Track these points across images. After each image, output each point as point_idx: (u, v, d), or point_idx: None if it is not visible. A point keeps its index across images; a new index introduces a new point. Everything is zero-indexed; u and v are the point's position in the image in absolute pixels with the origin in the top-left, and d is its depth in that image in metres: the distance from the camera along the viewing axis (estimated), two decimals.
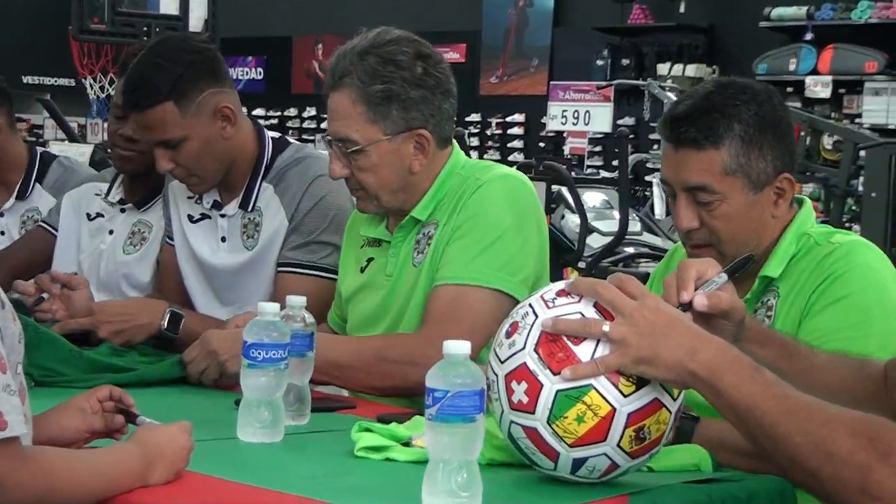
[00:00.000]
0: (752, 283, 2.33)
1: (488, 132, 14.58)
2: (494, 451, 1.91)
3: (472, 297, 2.48)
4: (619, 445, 1.76)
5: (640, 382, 1.75)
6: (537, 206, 2.66)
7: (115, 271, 3.31)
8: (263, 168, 3.00)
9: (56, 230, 3.47)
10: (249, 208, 3.00)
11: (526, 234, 2.58)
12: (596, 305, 1.78)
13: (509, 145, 14.42)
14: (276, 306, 2.10)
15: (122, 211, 3.38)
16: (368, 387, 2.49)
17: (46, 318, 2.81)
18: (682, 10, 13.04)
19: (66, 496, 1.64)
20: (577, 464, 1.78)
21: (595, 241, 7.08)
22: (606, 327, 1.74)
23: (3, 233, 3.77)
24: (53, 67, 12.87)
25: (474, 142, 14.53)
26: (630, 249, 7.20)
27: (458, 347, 1.70)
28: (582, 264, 6.35)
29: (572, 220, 6.48)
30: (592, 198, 8.14)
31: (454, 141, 2.69)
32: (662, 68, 13.07)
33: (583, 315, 1.77)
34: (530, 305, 1.82)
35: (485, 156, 14.44)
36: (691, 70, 12.96)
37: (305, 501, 1.72)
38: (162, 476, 1.76)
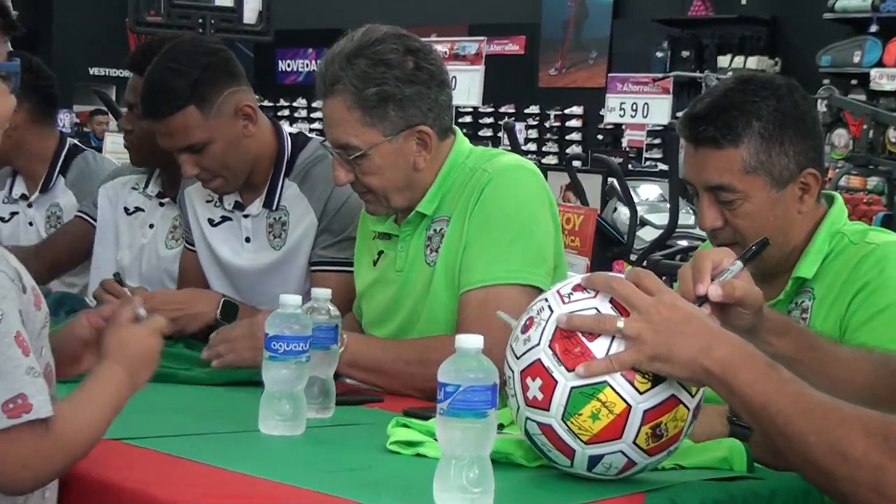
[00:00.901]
0: (784, 284, 2.29)
1: (547, 124, 14.54)
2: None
3: (504, 295, 2.44)
4: (635, 443, 1.74)
5: (657, 379, 1.73)
6: (547, 192, 2.62)
7: (158, 266, 3.31)
8: (285, 165, 2.98)
9: (95, 220, 3.48)
10: (274, 207, 2.98)
11: (542, 223, 2.56)
12: (612, 301, 1.76)
13: (567, 138, 14.37)
14: (297, 298, 2.10)
15: (162, 205, 3.38)
16: (412, 388, 2.46)
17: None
18: (743, 1, 12.92)
19: (88, 445, 1.69)
20: (594, 461, 1.76)
21: (648, 235, 7.02)
22: (621, 323, 1.72)
23: (31, 223, 3.79)
24: (118, 59, 13.03)
25: (533, 134, 14.48)
26: (683, 242, 7.14)
27: (471, 342, 1.68)
28: (633, 257, 6.31)
29: (624, 213, 6.44)
30: (648, 191, 8.08)
31: (456, 129, 2.66)
32: (723, 60, 12.96)
33: (598, 311, 1.75)
34: (546, 300, 1.80)
35: (543, 148, 14.39)
36: (752, 62, 12.84)
37: (320, 496, 1.71)
38: (145, 378, 1.82)
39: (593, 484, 1.79)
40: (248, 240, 3.02)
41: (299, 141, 3.03)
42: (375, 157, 2.51)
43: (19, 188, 3.83)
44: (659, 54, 13.44)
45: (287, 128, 3.10)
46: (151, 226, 3.38)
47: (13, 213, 3.83)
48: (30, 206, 3.82)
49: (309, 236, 2.95)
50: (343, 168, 2.54)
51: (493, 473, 1.67)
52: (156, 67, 2.87)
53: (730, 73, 11.82)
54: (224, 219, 3.05)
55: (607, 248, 5.96)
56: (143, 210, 3.41)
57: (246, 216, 3.01)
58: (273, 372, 2.07)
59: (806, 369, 1.86)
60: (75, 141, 3.98)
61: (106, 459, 1.85)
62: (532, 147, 14.35)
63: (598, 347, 1.73)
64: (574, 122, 14.37)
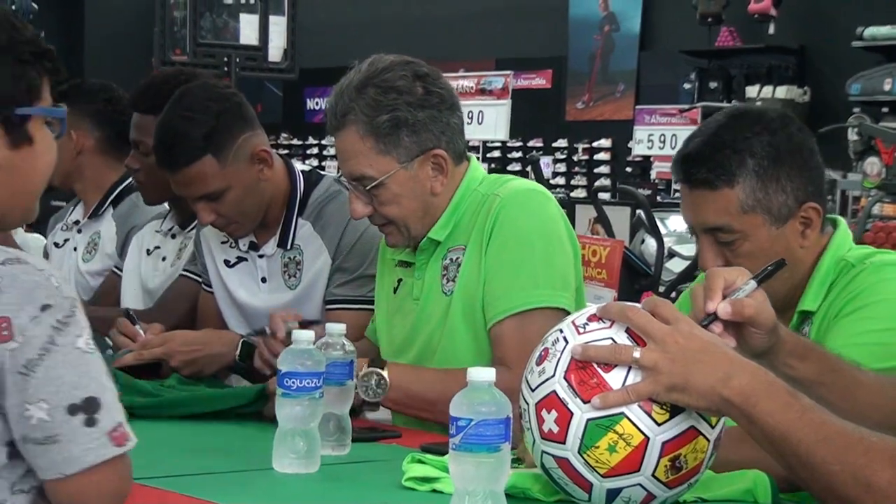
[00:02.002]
0: (791, 318, 2.22)
1: (575, 158, 14.51)
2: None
3: (538, 321, 2.39)
4: (654, 475, 1.70)
5: (675, 410, 1.69)
6: (561, 214, 2.59)
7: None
8: (298, 204, 2.96)
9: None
10: (288, 246, 2.95)
11: (562, 244, 2.53)
12: (628, 331, 1.72)
13: (596, 171, 14.33)
14: (310, 334, 2.07)
15: (173, 237, 3.40)
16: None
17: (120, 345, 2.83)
18: (771, 31, 12.87)
19: None
20: (612, 495, 1.72)
21: (677, 266, 6.97)
22: (637, 353, 1.68)
23: (75, 248, 3.77)
24: None
25: (561, 168, 14.46)
26: None
27: (483, 375, 1.65)
28: (661, 289, 6.26)
29: (652, 245, 6.40)
30: (676, 222, 8.03)
31: (471, 157, 2.64)
32: (751, 91, 12.89)
33: (614, 341, 1.71)
34: (561, 331, 1.76)
35: (571, 181, 14.35)
36: (781, 92, 12.77)
37: None
38: None
39: None
40: (263, 280, 3.00)
41: (312, 179, 3.01)
42: (392, 186, 2.49)
43: (76, 214, 3.82)
44: (686, 85, 13.40)
45: (300, 165, 3.07)
46: (164, 258, 3.40)
47: (66, 240, 3.82)
48: (79, 231, 3.79)
49: (323, 275, 2.92)
50: (360, 201, 2.52)
51: None
52: (169, 116, 2.84)
53: (758, 104, 11.78)
54: (240, 259, 3.03)
55: (635, 280, 5.92)
56: (159, 248, 3.41)
57: (261, 256, 2.98)
58: (286, 409, 2.04)
59: (828, 393, 1.81)
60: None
61: None
62: (561, 181, 14.33)
63: (615, 378, 1.69)
64: (602, 155, 14.34)
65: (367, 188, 2.49)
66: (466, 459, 1.62)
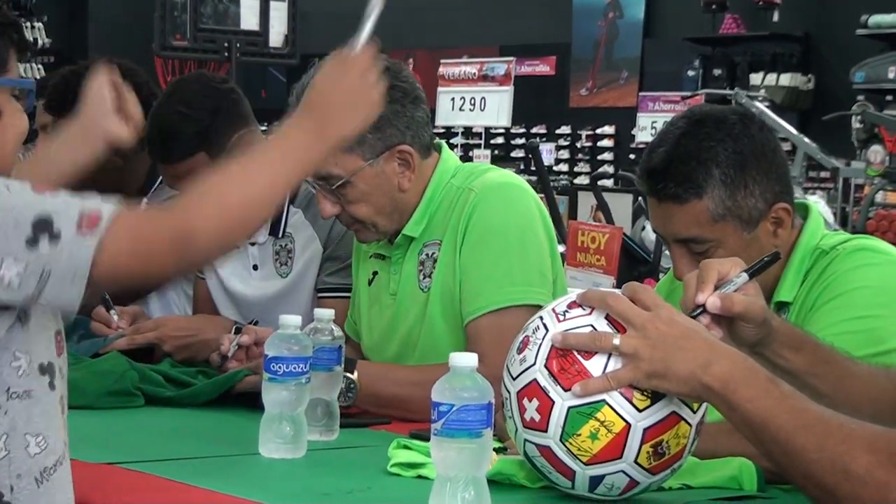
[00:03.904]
0: None
1: (578, 145, 14.48)
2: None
3: (514, 318, 2.35)
4: (636, 462, 1.70)
5: (656, 396, 1.69)
6: (538, 205, 2.57)
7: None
8: (290, 192, 2.95)
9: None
10: (280, 234, 2.95)
11: (538, 239, 2.52)
12: (608, 318, 1.72)
13: (599, 158, 14.31)
14: (297, 319, 2.07)
15: None
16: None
17: (111, 332, 2.81)
18: (775, 18, 12.84)
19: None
20: (595, 482, 1.72)
21: None
22: (617, 340, 1.68)
23: None
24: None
25: (564, 154, 14.44)
26: None
27: (465, 360, 1.65)
28: (661, 276, 6.25)
29: (652, 232, 6.38)
30: None
31: (442, 146, 2.62)
32: (755, 78, 12.86)
33: (594, 328, 1.71)
34: (541, 318, 1.76)
35: (575, 168, 14.33)
36: (785, 79, 12.74)
37: None
38: (347, 124, 1.73)
39: None
40: (255, 267, 3.00)
41: None
42: (359, 184, 2.47)
43: None
44: (690, 73, 13.36)
45: None
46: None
47: None
48: None
49: (314, 263, 2.92)
50: (328, 200, 2.51)
51: (489, 494, 1.64)
52: (164, 110, 2.84)
53: (762, 91, 11.76)
54: None
55: (634, 267, 5.90)
56: None
57: (253, 244, 2.98)
58: (273, 394, 2.05)
59: (821, 384, 1.81)
60: None
61: (103, 484, 1.83)
62: (564, 167, 14.30)
63: (595, 365, 1.69)
64: (606, 142, 14.30)
65: (334, 187, 2.47)
66: (448, 445, 1.63)
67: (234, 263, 3.01)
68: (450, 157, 2.61)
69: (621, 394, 1.68)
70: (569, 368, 1.69)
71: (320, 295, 2.92)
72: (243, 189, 1.62)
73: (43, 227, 1.49)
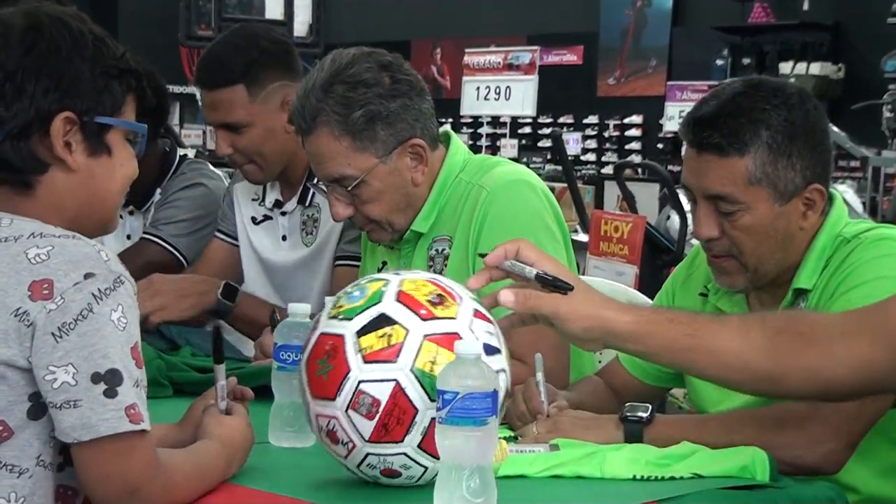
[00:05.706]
0: (785, 294, 2.19)
1: (606, 134, 14.46)
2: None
3: None
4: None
5: None
6: (549, 199, 2.55)
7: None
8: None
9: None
10: (307, 203, 3.00)
11: (551, 233, 2.50)
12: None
13: (627, 147, 14.28)
14: (307, 307, 2.06)
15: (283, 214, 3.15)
16: None
17: None
18: (805, 7, 12.77)
19: (181, 494, 1.69)
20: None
21: None
22: None
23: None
24: (175, 75, 13.15)
25: (591, 144, 14.41)
26: None
27: (470, 347, 1.63)
28: None
29: (677, 221, 6.35)
30: None
31: (451, 136, 2.61)
32: (785, 67, 12.81)
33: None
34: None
35: (602, 158, 14.30)
36: (815, 68, 12.68)
37: None
38: (237, 468, 1.82)
39: (599, 492, 1.74)
40: (283, 238, 3.05)
41: None
42: (373, 182, 2.46)
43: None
44: (719, 62, 13.30)
45: None
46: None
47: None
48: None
49: (336, 232, 2.96)
50: (340, 202, 2.50)
51: (495, 482, 1.63)
52: (218, 41, 2.96)
53: (792, 80, 11.68)
54: (266, 217, 3.09)
55: (657, 256, 5.87)
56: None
57: (283, 213, 3.04)
58: (282, 382, 2.04)
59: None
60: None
61: None
62: (591, 157, 14.28)
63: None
64: (633, 132, 14.27)
65: (349, 188, 2.46)
66: (454, 433, 1.61)
67: (266, 232, 3.07)
68: (458, 150, 2.59)
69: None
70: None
71: (337, 263, 2.95)
72: (197, 486, 1.72)
73: (113, 380, 1.57)
